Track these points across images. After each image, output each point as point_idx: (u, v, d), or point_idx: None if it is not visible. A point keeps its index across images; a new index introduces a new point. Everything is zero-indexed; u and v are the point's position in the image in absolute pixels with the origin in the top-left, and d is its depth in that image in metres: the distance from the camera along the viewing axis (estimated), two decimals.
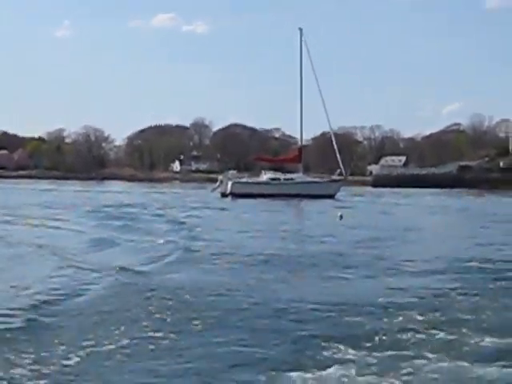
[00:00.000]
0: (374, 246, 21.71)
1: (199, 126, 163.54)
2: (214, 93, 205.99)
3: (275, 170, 69.53)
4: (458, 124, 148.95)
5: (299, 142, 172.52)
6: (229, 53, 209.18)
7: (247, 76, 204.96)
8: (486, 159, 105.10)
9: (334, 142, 69.46)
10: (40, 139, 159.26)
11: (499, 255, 19.32)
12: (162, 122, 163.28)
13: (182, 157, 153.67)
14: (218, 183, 65.80)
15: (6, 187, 77.76)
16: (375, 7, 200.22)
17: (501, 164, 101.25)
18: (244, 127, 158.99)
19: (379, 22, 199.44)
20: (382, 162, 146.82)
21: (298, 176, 67.08)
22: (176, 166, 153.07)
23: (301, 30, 69.64)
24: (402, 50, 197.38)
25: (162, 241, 22.57)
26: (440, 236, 28.04)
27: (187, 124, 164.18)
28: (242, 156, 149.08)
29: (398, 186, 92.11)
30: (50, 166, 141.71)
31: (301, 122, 72.38)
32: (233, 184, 62.92)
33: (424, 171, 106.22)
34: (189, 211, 40.31)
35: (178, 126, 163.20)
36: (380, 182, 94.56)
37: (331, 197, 60.47)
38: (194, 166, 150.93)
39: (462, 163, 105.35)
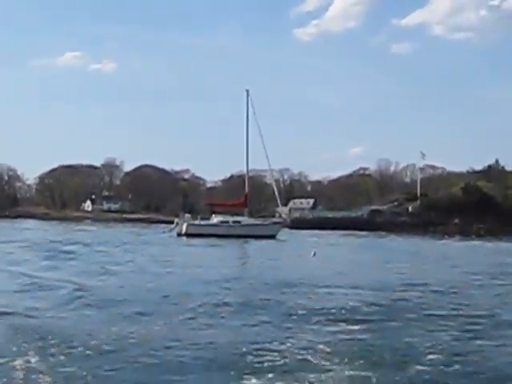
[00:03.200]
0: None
1: (110, 166, 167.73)
2: (123, 134, 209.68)
3: (219, 213, 78.02)
4: (365, 168, 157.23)
5: (207, 184, 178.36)
6: (137, 92, 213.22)
7: (156, 117, 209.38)
8: (396, 203, 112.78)
9: (275, 189, 76.82)
10: None
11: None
12: (73, 162, 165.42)
13: (93, 196, 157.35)
14: (174, 225, 73.99)
15: None
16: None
17: (409, 208, 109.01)
18: (155, 168, 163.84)
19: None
20: (291, 204, 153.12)
21: (244, 219, 75.22)
22: (88, 205, 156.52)
23: (247, 91, 78.18)
24: (307, 96, 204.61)
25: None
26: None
27: (98, 164, 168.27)
28: (153, 196, 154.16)
29: (313, 227, 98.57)
30: None
31: (247, 169, 79.67)
32: (188, 225, 71.31)
33: (338, 214, 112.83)
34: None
35: (88, 166, 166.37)
36: (296, 224, 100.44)
37: (273, 237, 69.33)
38: (105, 206, 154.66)
39: (373, 207, 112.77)
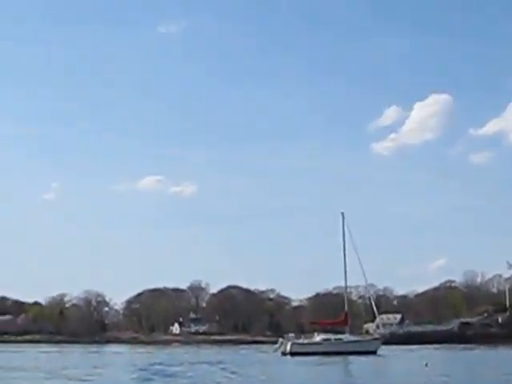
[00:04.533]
0: None
1: (196, 289, 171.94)
2: (208, 255, 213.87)
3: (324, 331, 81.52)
4: (451, 281, 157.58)
5: (292, 302, 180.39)
6: (218, 214, 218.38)
7: (238, 237, 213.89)
8: (485, 315, 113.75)
9: (374, 306, 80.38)
10: (39, 304, 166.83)
11: None
12: (159, 285, 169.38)
13: (181, 319, 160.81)
14: (278, 344, 76.71)
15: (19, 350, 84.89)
16: None
17: (499, 320, 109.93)
18: (240, 289, 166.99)
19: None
20: (378, 320, 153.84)
21: (345, 336, 78.47)
22: (176, 328, 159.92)
23: (343, 213, 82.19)
24: (387, 211, 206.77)
25: None
26: None
27: (184, 287, 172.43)
28: (239, 317, 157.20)
29: (402, 343, 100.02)
30: (53, 331, 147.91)
31: (345, 286, 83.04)
32: (292, 344, 74.42)
33: (427, 328, 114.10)
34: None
35: (174, 289, 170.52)
36: (386, 339, 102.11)
37: (374, 353, 72.39)
38: (193, 328, 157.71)
39: (463, 320, 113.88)
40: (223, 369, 49.92)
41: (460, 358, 66.57)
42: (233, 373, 44.43)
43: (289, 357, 71.28)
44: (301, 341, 77.85)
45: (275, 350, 76.41)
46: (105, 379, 41.29)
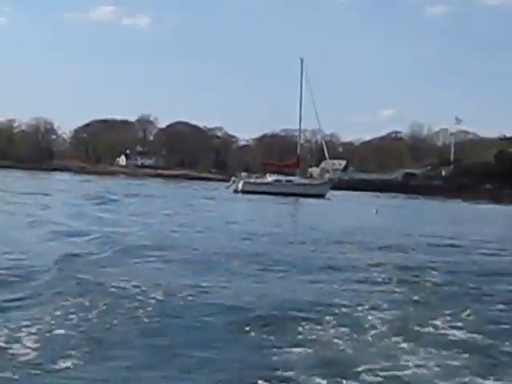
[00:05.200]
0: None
1: (144, 122, 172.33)
2: (158, 89, 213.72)
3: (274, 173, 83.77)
4: (398, 131, 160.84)
5: (239, 142, 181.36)
6: (171, 49, 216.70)
7: (191, 73, 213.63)
8: (429, 167, 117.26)
9: (326, 149, 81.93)
10: None
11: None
12: (108, 117, 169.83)
13: (127, 151, 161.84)
14: (230, 182, 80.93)
15: None
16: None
17: (443, 173, 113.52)
18: (188, 125, 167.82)
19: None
20: (323, 165, 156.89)
21: (296, 178, 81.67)
22: (122, 159, 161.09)
23: (302, 59, 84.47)
24: (340, 57, 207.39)
25: None
26: None
27: (132, 119, 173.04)
28: (186, 153, 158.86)
29: (346, 188, 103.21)
30: None
31: (299, 132, 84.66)
32: (244, 183, 77.96)
33: (372, 176, 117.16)
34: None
35: (123, 121, 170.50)
36: (335, 185, 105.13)
37: (322, 196, 75.63)
38: (139, 161, 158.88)
39: (408, 170, 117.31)
40: (177, 201, 51.99)
41: (406, 206, 69.63)
42: (189, 205, 46.09)
43: (240, 194, 73.81)
44: (253, 180, 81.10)
45: (227, 188, 79.96)
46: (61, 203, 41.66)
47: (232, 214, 41.18)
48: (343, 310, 11.96)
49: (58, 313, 10.74)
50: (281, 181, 79.81)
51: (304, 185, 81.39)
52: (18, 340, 9.19)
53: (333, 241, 24.93)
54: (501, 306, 12.89)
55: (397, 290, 14.30)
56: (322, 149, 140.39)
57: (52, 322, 10.18)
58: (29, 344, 9.05)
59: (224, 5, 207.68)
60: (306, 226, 33.48)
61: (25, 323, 10.00)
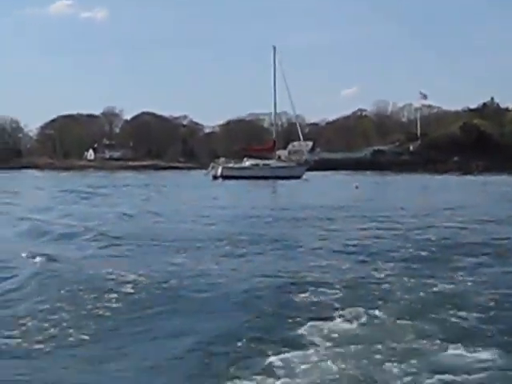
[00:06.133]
0: None
1: (110, 115, 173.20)
2: (120, 81, 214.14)
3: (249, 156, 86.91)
4: (363, 109, 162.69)
5: (205, 129, 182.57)
6: (132, 40, 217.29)
7: (152, 65, 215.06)
8: (397, 143, 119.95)
9: (300, 131, 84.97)
10: None
11: None
12: (73, 111, 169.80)
13: (95, 145, 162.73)
14: (209, 168, 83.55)
15: None
16: None
17: (411, 148, 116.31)
18: (154, 115, 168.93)
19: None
20: (290, 147, 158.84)
21: (273, 162, 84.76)
22: (90, 154, 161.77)
23: (274, 47, 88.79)
24: (296, 37, 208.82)
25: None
26: None
27: (97, 113, 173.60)
28: (153, 143, 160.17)
29: (316, 169, 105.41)
30: None
31: (275, 116, 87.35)
32: (222, 168, 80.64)
33: (341, 156, 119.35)
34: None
35: (88, 115, 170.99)
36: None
37: (299, 177, 78.58)
38: (107, 154, 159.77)
39: (376, 148, 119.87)
40: (159, 190, 53.82)
41: (380, 182, 72.58)
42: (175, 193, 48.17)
43: (220, 180, 76.79)
44: (231, 165, 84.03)
45: (206, 174, 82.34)
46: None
47: (225, 197, 43.41)
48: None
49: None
50: (258, 165, 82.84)
51: (281, 167, 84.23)
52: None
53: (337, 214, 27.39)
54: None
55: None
56: (289, 131, 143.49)
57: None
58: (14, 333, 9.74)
59: None
60: (301, 204, 35.83)
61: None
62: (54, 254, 16.72)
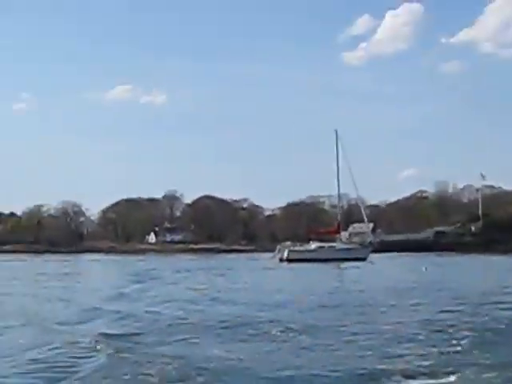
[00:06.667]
0: None
1: (171, 199, 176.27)
2: (182, 165, 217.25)
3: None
4: (424, 191, 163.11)
5: (265, 212, 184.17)
6: (190, 123, 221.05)
7: (212, 147, 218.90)
8: (458, 225, 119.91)
9: (364, 212, 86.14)
10: (15, 215, 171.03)
11: None
12: (134, 195, 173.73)
13: (156, 228, 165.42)
14: (276, 251, 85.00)
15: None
16: None
17: (472, 229, 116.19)
18: (214, 199, 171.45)
19: None
20: (351, 229, 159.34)
21: (337, 244, 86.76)
22: (152, 237, 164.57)
23: (336, 131, 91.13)
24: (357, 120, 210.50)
25: None
26: None
27: (159, 196, 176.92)
28: (214, 226, 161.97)
29: (379, 251, 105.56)
30: (31, 241, 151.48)
31: (339, 198, 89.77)
32: (289, 252, 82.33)
33: (404, 237, 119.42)
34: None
35: (150, 199, 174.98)
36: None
37: (364, 259, 79.26)
38: (168, 238, 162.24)
39: (438, 229, 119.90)
40: (225, 275, 54.59)
41: (444, 263, 72.62)
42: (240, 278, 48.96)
43: (286, 263, 77.76)
44: (297, 248, 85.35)
45: (273, 257, 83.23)
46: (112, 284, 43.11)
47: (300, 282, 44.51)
48: None
49: None
50: (323, 247, 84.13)
51: (346, 249, 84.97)
52: None
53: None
54: None
55: None
56: (350, 213, 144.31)
57: None
58: None
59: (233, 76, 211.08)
60: (375, 287, 36.67)
61: None
62: None
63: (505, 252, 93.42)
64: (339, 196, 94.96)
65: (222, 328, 20.25)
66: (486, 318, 21.01)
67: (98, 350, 16.26)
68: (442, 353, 15.60)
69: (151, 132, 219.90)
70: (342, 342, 17.41)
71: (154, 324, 21.51)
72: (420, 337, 17.97)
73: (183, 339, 18.19)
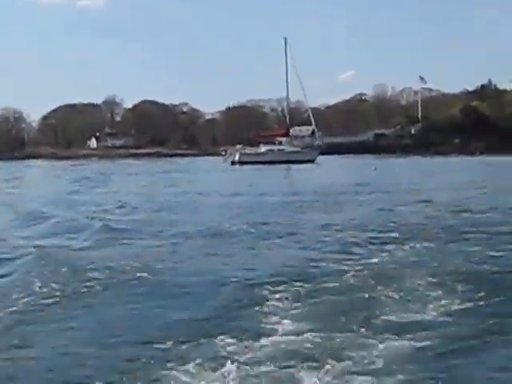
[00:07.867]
0: None
1: (110, 104, 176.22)
2: (121, 69, 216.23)
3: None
4: (363, 94, 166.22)
5: (205, 116, 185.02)
6: (128, 27, 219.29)
7: (150, 52, 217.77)
8: (398, 127, 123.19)
9: (312, 118, 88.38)
10: None
11: None
12: (74, 101, 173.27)
13: (97, 134, 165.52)
14: (227, 155, 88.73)
15: None
16: None
17: (412, 131, 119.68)
18: (154, 103, 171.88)
19: None
20: (291, 131, 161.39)
21: (286, 147, 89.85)
22: (93, 142, 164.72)
23: (285, 38, 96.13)
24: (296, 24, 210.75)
25: None
26: None
27: (98, 102, 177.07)
28: (155, 131, 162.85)
29: (324, 153, 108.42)
30: None
31: (287, 101, 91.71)
32: (240, 154, 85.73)
33: (344, 140, 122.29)
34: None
35: (89, 104, 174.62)
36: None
37: (312, 161, 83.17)
38: (110, 143, 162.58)
39: (377, 131, 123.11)
40: (180, 176, 57.01)
41: (386, 164, 76.12)
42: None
43: (237, 165, 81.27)
44: (248, 151, 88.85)
45: (224, 160, 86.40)
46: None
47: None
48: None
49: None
50: (273, 150, 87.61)
51: (295, 152, 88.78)
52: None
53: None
54: None
55: None
56: (290, 116, 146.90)
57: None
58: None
59: None
60: (332, 184, 40.44)
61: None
62: None
63: (444, 153, 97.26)
64: (288, 99, 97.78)
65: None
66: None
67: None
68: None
69: (89, 37, 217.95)
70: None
71: None
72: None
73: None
